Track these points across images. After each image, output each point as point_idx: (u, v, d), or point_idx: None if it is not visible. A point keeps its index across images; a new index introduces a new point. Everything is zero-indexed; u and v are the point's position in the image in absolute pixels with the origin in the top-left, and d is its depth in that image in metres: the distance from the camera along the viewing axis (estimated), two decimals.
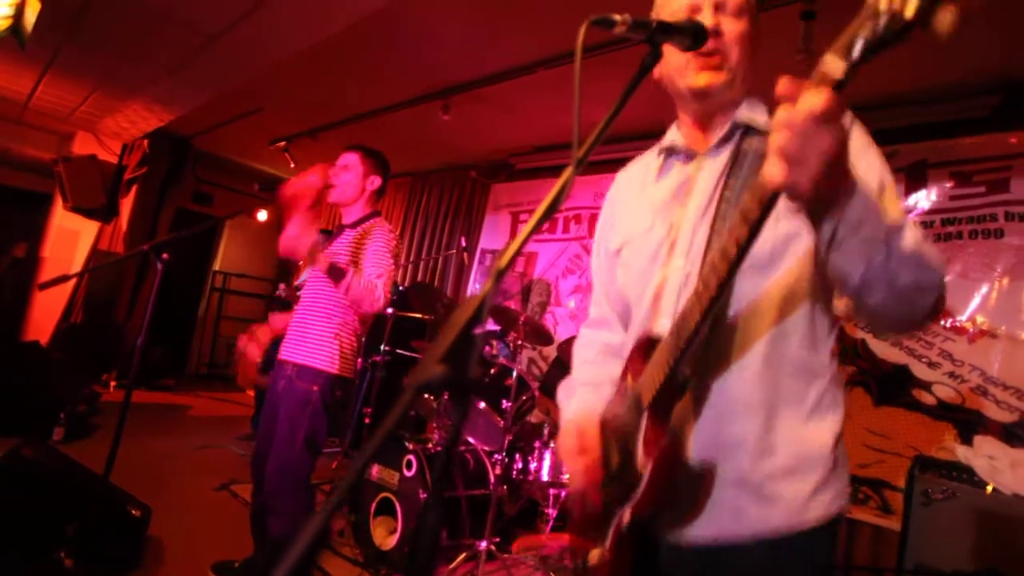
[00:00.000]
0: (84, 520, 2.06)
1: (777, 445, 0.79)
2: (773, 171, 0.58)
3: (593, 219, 4.41)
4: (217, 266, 7.55)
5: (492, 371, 3.08)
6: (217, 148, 6.41)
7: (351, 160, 2.25)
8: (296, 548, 0.38)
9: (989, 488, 1.96)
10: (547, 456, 2.91)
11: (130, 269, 6.05)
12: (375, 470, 2.68)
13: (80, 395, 4.00)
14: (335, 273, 1.95)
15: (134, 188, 6.00)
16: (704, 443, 0.79)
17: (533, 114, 4.07)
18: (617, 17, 0.66)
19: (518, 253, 0.56)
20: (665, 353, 0.76)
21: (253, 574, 2.17)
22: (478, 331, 0.49)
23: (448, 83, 3.72)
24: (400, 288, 4.41)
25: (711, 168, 0.89)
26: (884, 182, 0.79)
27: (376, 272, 2.07)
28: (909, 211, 2.98)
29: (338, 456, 4.10)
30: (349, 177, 2.23)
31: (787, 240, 0.79)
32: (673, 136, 0.97)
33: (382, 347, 3.92)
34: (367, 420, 3.94)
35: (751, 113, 0.88)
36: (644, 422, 0.81)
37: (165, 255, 2.12)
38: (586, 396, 1.00)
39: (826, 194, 0.60)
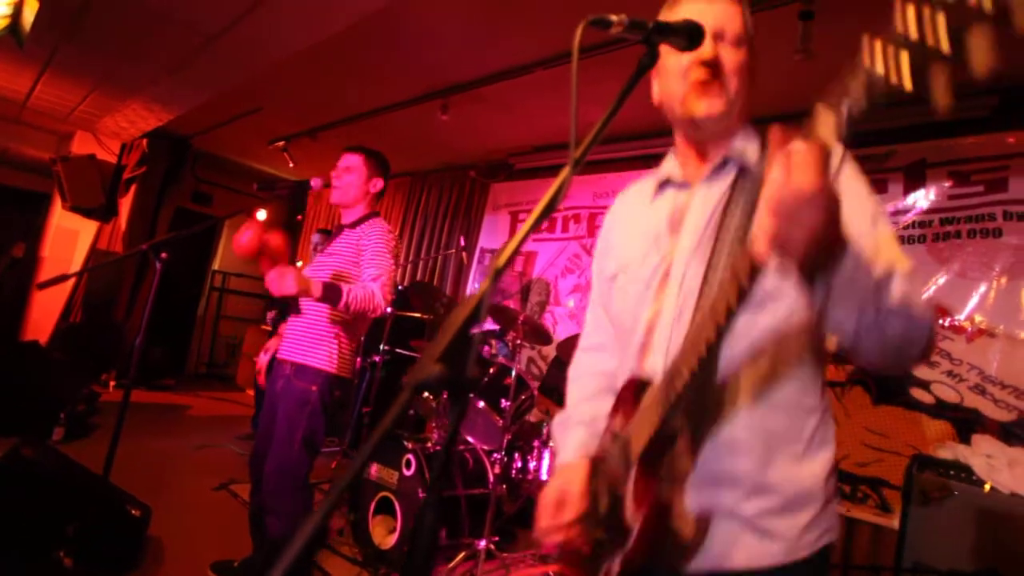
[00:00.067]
0: (84, 520, 2.06)
1: (772, 485, 0.80)
2: (762, 248, 0.58)
3: (592, 218, 4.41)
4: (216, 266, 7.55)
5: (491, 370, 3.08)
6: (216, 148, 6.41)
7: (354, 162, 2.24)
8: (294, 547, 0.38)
9: (987, 487, 1.96)
10: (546, 455, 2.91)
11: (129, 269, 6.05)
12: (374, 469, 2.68)
13: (79, 395, 4.00)
14: (330, 296, 1.95)
15: (133, 188, 6.00)
16: (698, 488, 0.79)
17: (532, 114, 4.07)
18: (614, 18, 0.66)
19: (516, 252, 0.56)
20: (655, 404, 0.76)
21: (252, 573, 2.18)
22: (476, 330, 0.49)
23: (447, 83, 3.72)
24: (399, 287, 4.41)
25: (704, 199, 0.89)
26: (876, 216, 0.80)
27: (375, 273, 2.07)
28: (908, 210, 2.99)
29: (337, 455, 4.10)
30: (352, 179, 2.22)
31: (779, 282, 0.79)
32: (670, 167, 0.98)
33: (381, 346, 3.92)
34: (366, 419, 3.94)
35: (744, 146, 0.88)
36: (633, 473, 0.81)
37: (164, 254, 2.12)
38: (581, 436, 1.00)
39: (816, 263, 0.60)
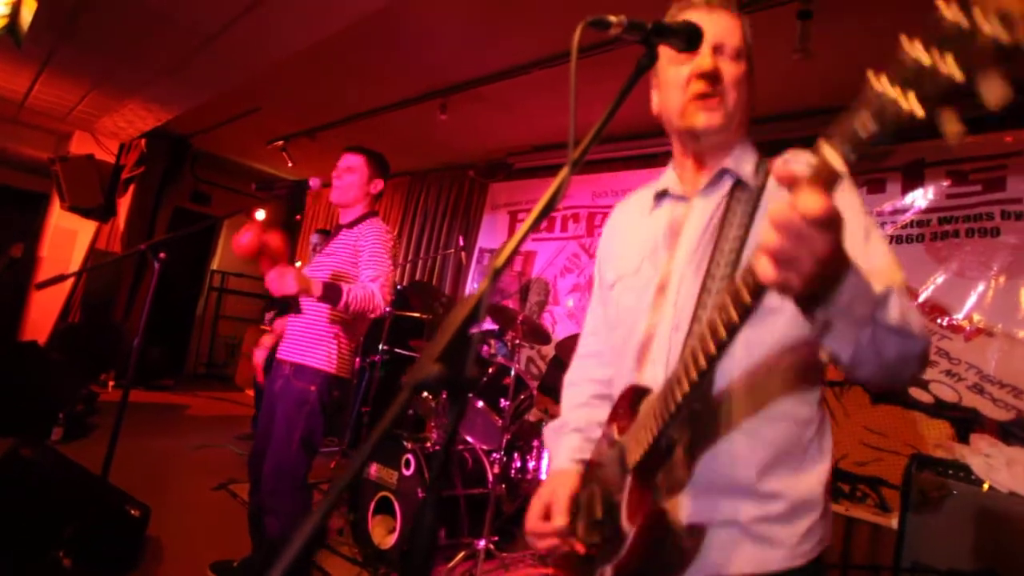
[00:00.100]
0: (82, 520, 2.06)
1: (770, 494, 0.80)
2: (765, 269, 0.56)
3: (591, 218, 4.41)
4: (215, 265, 7.55)
5: (490, 370, 3.08)
6: (215, 148, 6.41)
7: (356, 162, 2.24)
8: (292, 547, 0.38)
9: (985, 486, 1.97)
10: (545, 455, 2.92)
11: (128, 269, 6.04)
12: (373, 469, 2.68)
13: (78, 395, 3.99)
14: (330, 296, 1.95)
15: (131, 187, 5.99)
16: (694, 499, 0.80)
17: (531, 113, 4.07)
18: (612, 19, 0.66)
19: (515, 253, 0.56)
20: (653, 416, 0.76)
21: (251, 573, 2.18)
22: (475, 330, 0.50)
23: (447, 83, 3.72)
24: (398, 287, 4.41)
25: (701, 211, 0.90)
26: (868, 229, 0.80)
27: (373, 274, 2.07)
28: (906, 210, 2.99)
29: (336, 455, 4.10)
30: (353, 179, 2.23)
31: (778, 297, 0.79)
32: (668, 179, 0.98)
33: (380, 346, 3.92)
34: (365, 419, 3.94)
35: (740, 161, 0.89)
36: (628, 482, 0.81)
37: (162, 254, 2.12)
38: (574, 442, 1.01)
39: (817, 290, 0.59)
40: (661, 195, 0.99)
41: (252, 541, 2.20)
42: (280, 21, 3.01)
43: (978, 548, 1.91)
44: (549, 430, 1.10)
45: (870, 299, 0.63)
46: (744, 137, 0.93)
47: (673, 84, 0.90)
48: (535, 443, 3.00)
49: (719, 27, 0.87)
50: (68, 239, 5.92)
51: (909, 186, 3.01)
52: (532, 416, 3.25)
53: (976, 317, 2.71)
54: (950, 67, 0.43)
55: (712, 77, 0.85)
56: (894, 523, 2.23)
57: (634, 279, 0.95)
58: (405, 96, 4.04)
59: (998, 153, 2.75)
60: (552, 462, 1.04)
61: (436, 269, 5.49)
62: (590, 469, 0.93)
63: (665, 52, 0.89)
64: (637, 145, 4.12)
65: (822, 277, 0.56)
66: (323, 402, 2.07)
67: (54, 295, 5.58)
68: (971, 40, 0.42)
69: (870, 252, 0.78)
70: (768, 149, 0.93)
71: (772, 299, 0.77)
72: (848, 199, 0.81)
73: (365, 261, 2.10)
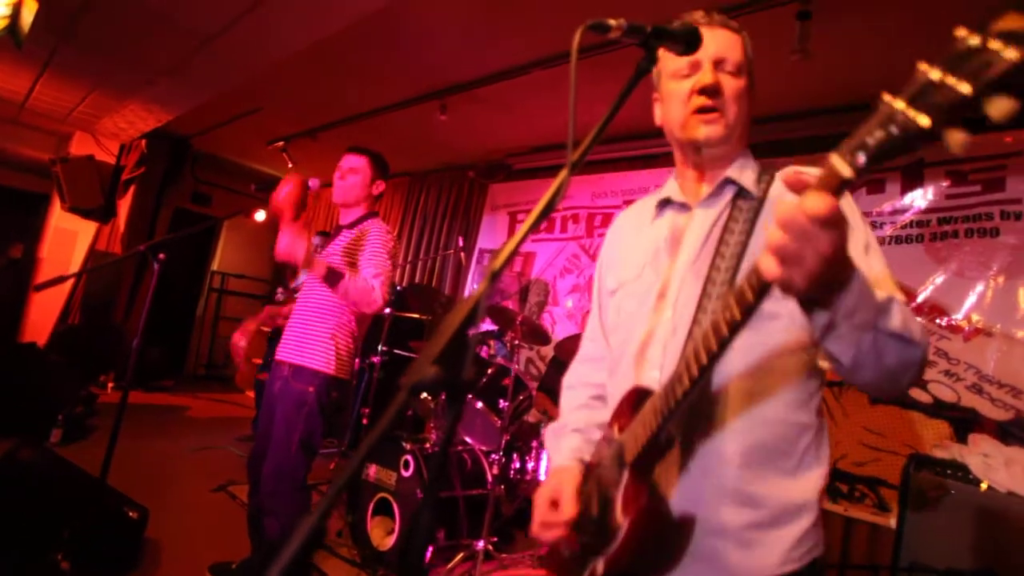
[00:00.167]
0: (81, 522, 2.06)
1: (760, 498, 0.81)
2: (769, 266, 0.58)
3: (591, 218, 4.42)
4: (215, 266, 7.54)
5: (489, 371, 3.08)
6: (216, 148, 6.41)
7: (359, 164, 2.25)
8: (289, 549, 0.39)
9: (984, 486, 1.97)
10: (544, 456, 2.92)
11: (128, 270, 6.04)
12: (372, 470, 2.68)
13: (77, 397, 3.99)
14: (332, 277, 1.96)
15: (132, 188, 5.99)
16: (687, 496, 0.81)
17: (531, 114, 4.07)
18: (612, 22, 0.66)
19: (513, 255, 0.56)
20: (653, 413, 0.77)
21: (250, 575, 2.18)
22: (473, 332, 0.50)
23: (447, 83, 3.73)
24: (398, 288, 4.41)
25: (701, 221, 0.92)
26: (868, 242, 0.82)
27: (373, 272, 2.07)
28: (905, 210, 3.00)
29: (336, 457, 4.10)
30: (356, 180, 2.24)
31: (780, 298, 0.80)
32: (670, 188, 1.00)
33: (380, 347, 3.92)
34: (365, 420, 3.94)
35: (741, 171, 0.91)
36: (625, 477, 0.82)
37: (162, 255, 2.12)
38: (575, 443, 1.02)
39: (821, 290, 0.60)
40: (663, 204, 1.01)
41: (251, 543, 2.20)
42: (280, 21, 3.02)
43: (976, 548, 1.92)
44: (549, 432, 1.11)
45: (873, 305, 0.64)
46: (745, 148, 0.95)
47: (675, 98, 0.92)
48: (534, 444, 3.01)
49: (720, 43, 0.89)
50: (68, 240, 5.92)
51: (908, 186, 3.01)
52: (531, 417, 3.25)
53: (975, 317, 2.71)
54: (958, 83, 0.45)
55: (713, 92, 0.88)
56: (892, 523, 2.23)
57: (635, 285, 0.97)
58: (405, 96, 4.04)
59: (997, 153, 2.76)
60: (553, 461, 1.05)
61: (436, 270, 5.49)
62: (589, 470, 0.94)
63: (667, 67, 0.93)
64: (637, 146, 4.12)
65: (825, 277, 0.57)
66: (322, 403, 2.07)
67: (54, 296, 5.58)
68: (980, 58, 0.44)
69: (869, 264, 0.80)
70: (768, 149, 0.94)
71: (771, 305, 0.78)
72: (850, 214, 0.82)
73: (366, 259, 2.10)
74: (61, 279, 2.06)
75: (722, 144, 0.90)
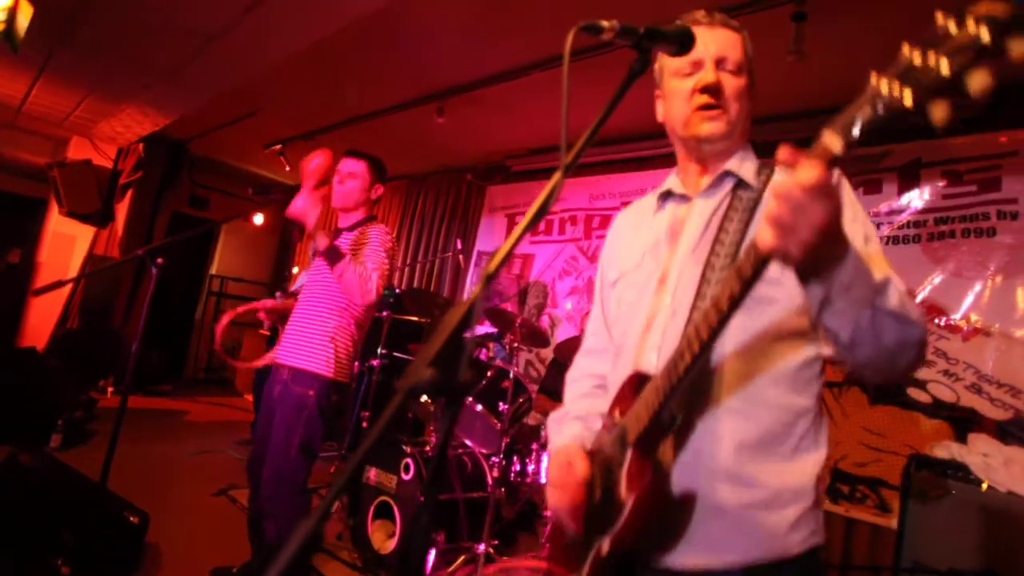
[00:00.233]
0: (81, 527, 2.05)
1: (759, 481, 0.81)
2: (765, 236, 0.60)
3: (588, 220, 4.42)
4: (214, 270, 7.54)
5: (489, 373, 3.08)
6: (213, 152, 6.41)
7: (358, 168, 2.26)
8: (287, 552, 0.39)
9: (984, 485, 1.97)
10: (544, 458, 2.91)
11: (126, 274, 6.03)
12: (373, 474, 2.68)
13: (77, 401, 3.99)
14: (333, 253, 1.99)
15: (129, 192, 5.99)
16: (687, 476, 0.81)
17: (530, 116, 4.08)
18: (605, 24, 0.66)
19: (507, 257, 0.56)
20: (654, 392, 0.78)
21: None
22: (468, 335, 0.50)
23: (446, 85, 3.73)
24: (397, 291, 4.41)
25: (701, 211, 0.94)
26: (868, 233, 0.84)
27: (373, 266, 2.08)
28: (903, 210, 3.00)
29: (336, 460, 4.09)
30: (355, 185, 2.24)
31: (776, 283, 0.81)
32: (672, 182, 1.02)
33: (379, 350, 3.92)
34: (365, 424, 3.93)
35: (741, 164, 0.93)
36: (628, 457, 0.82)
37: (160, 259, 2.12)
38: (576, 429, 1.03)
39: (817, 261, 0.62)
40: (665, 197, 1.03)
41: (252, 547, 2.19)
42: (278, 22, 3.02)
43: (977, 547, 1.92)
44: (551, 420, 1.12)
45: (870, 283, 0.66)
46: (746, 143, 0.97)
47: (678, 96, 0.94)
48: (534, 446, 3.00)
49: (721, 42, 0.92)
50: (66, 245, 5.91)
51: (905, 187, 3.02)
52: (531, 419, 3.25)
53: (973, 317, 2.72)
54: (939, 63, 0.49)
55: (715, 90, 0.90)
56: (894, 523, 2.23)
57: (636, 274, 0.99)
58: (404, 99, 4.04)
59: (993, 153, 2.76)
60: (554, 443, 1.06)
61: (434, 272, 5.49)
62: (591, 456, 0.94)
63: (669, 65, 0.96)
64: (634, 148, 4.13)
65: (820, 249, 0.60)
66: (322, 407, 2.07)
67: (52, 301, 5.57)
68: (958, 38, 0.48)
69: (868, 253, 0.79)
70: (764, 150, 0.95)
71: (768, 290, 0.81)
72: (850, 206, 0.83)
73: (365, 257, 2.11)
74: (59, 284, 2.06)
75: (724, 140, 0.92)
